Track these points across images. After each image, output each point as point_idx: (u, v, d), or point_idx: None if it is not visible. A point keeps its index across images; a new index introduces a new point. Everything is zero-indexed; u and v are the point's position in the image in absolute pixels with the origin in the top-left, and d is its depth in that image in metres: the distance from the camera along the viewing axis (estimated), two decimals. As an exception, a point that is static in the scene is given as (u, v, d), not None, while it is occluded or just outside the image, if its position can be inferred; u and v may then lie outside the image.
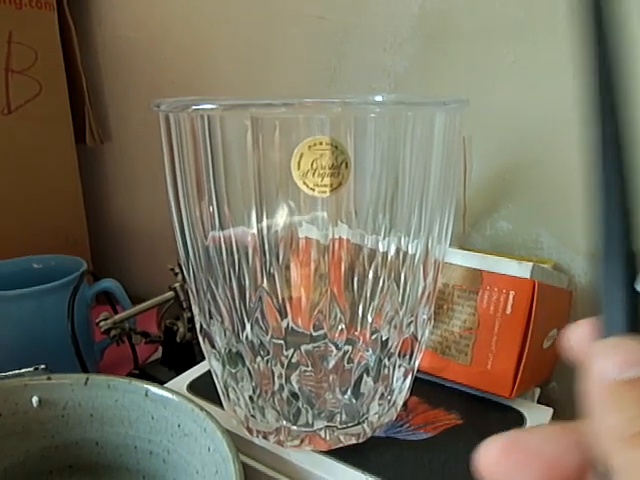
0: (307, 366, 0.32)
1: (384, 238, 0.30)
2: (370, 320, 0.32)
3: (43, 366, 0.43)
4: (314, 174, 0.26)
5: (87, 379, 0.37)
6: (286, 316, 0.31)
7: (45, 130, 0.74)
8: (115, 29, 0.78)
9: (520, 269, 0.40)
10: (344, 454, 0.34)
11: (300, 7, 0.61)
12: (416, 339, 0.34)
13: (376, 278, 0.31)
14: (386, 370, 0.33)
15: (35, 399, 0.37)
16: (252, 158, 0.27)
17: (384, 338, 0.32)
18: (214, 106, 0.27)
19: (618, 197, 0.15)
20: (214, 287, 0.32)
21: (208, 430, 0.33)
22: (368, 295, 0.31)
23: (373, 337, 0.32)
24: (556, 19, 0.48)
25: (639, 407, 0.13)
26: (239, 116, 0.27)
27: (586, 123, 0.16)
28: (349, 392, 0.33)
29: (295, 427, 0.34)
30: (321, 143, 0.26)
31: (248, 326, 0.31)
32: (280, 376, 0.32)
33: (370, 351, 0.32)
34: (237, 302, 0.31)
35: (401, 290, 0.32)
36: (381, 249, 0.30)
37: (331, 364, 0.32)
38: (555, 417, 0.39)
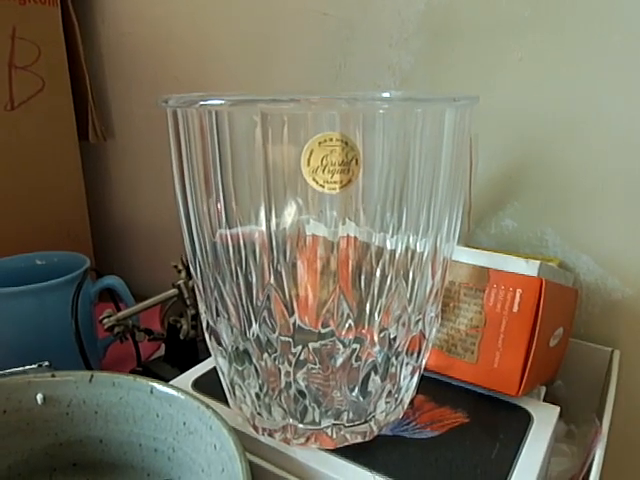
0: (314, 364, 0.32)
1: (392, 236, 0.30)
2: (378, 318, 0.31)
3: (47, 363, 0.43)
4: (324, 170, 0.26)
5: (92, 376, 0.37)
6: (293, 313, 0.31)
7: (48, 126, 0.74)
8: (118, 25, 0.77)
9: (527, 267, 0.39)
10: (350, 452, 0.34)
11: (305, 3, 0.61)
12: (424, 337, 0.34)
13: (384, 276, 0.31)
14: (393, 368, 0.33)
15: (39, 396, 0.37)
16: (261, 154, 0.27)
17: (392, 336, 0.32)
18: (222, 102, 0.27)
19: None
20: (221, 284, 0.31)
21: (214, 428, 0.33)
22: (376, 293, 0.31)
23: (381, 335, 0.32)
24: (563, 17, 0.48)
25: None
26: (248, 112, 0.27)
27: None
28: (356, 390, 0.33)
29: (301, 425, 0.33)
30: (331, 139, 0.26)
31: (255, 324, 0.31)
32: (287, 374, 0.32)
33: (378, 349, 0.32)
34: (244, 299, 0.31)
35: (409, 288, 0.31)
36: (389, 247, 0.30)
37: (338, 362, 0.32)
38: (560, 415, 0.39)
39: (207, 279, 0.32)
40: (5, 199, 0.70)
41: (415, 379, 0.36)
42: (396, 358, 0.33)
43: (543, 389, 0.44)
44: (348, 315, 0.31)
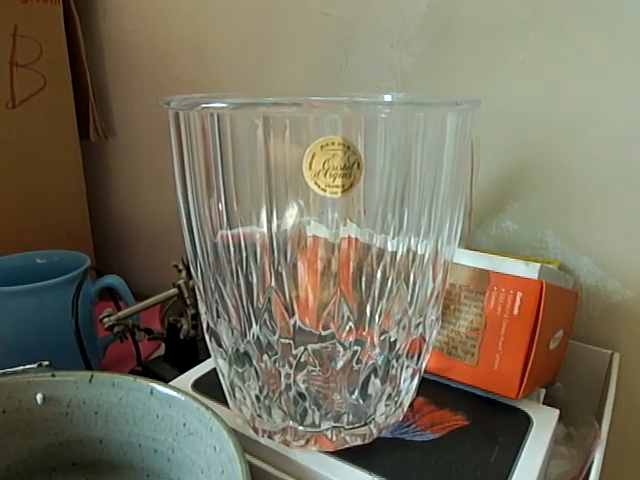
0: (314, 366, 0.32)
1: (393, 238, 0.30)
2: (378, 321, 0.31)
3: (47, 363, 0.43)
4: (326, 174, 0.26)
5: (92, 376, 0.37)
6: (294, 315, 0.31)
7: (49, 125, 0.74)
8: (120, 24, 0.77)
9: (528, 270, 0.39)
10: (350, 455, 0.34)
11: (305, 3, 0.61)
12: (424, 340, 0.34)
13: (385, 278, 0.31)
14: (394, 371, 0.33)
15: (39, 396, 0.37)
16: (262, 157, 0.27)
17: (392, 339, 0.32)
18: (224, 105, 0.27)
19: None
20: (222, 286, 0.31)
21: (214, 429, 0.33)
22: (376, 295, 0.31)
23: (381, 338, 0.32)
24: (563, 19, 0.48)
25: None
26: (250, 115, 0.27)
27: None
28: (356, 393, 0.33)
29: (301, 427, 0.33)
30: (333, 143, 0.26)
31: (256, 325, 0.31)
32: (287, 376, 0.32)
33: (378, 351, 0.32)
34: (245, 301, 0.31)
35: (410, 290, 0.31)
36: (390, 249, 0.30)
37: (339, 364, 0.32)
38: (559, 418, 0.39)
39: (208, 280, 0.32)
40: (5, 197, 0.70)
41: (415, 382, 0.36)
42: (396, 361, 0.33)
43: (543, 391, 0.44)
44: (349, 317, 0.31)
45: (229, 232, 0.30)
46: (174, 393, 0.35)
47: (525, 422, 0.38)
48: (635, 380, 0.53)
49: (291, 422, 0.33)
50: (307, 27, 0.62)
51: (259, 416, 0.34)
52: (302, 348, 0.31)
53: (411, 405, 0.38)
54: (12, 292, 0.52)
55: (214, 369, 0.37)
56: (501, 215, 0.56)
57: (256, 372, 0.33)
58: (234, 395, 0.35)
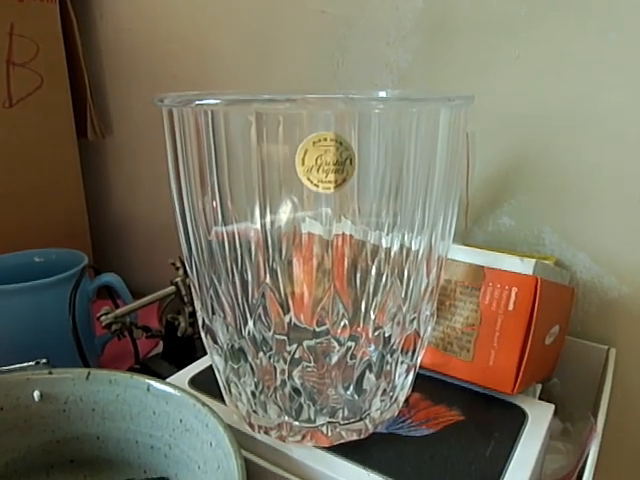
0: (309, 362, 0.32)
1: (387, 234, 0.30)
2: (373, 316, 0.31)
3: (44, 360, 0.43)
4: (318, 170, 0.26)
5: (89, 374, 0.37)
6: (289, 312, 0.31)
7: (46, 123, 0.74)
8: (117, 22, 0.77)
9: (523, 266, 0.39)
10: (346, 450, 0.34)
11: (303, 2, 0.61)
12: (419, 335, 0.34)
13: (379, 274, 0.31)
14: (388, 366, 0.33)
15: (37, 393, 0.37)
16: (256, 153, 0.27)
17: (387, 334, 0.32)
18: (218, 101, 0.27)
19: None
20: (217, 282, 0.32)
21: (210, 425, 0.33)
22: (371, 291, 0.31)
23: (376, 333, 0.32)
24: (558, 15, 0.48)
25: None
26: (243, 111, 0.27)
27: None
28: (351, 388, 0.33)
29: (297, 423, 0.34)
30: (325, 139, 0.26)
31: (251, 322, 0.31)
32: (282, 372, 0.32)
33: (373, 347, 0.32)
34: (240, 297, 0.31)
35: (404, 286, 0.32)
36: (384, 245, 0.30)
37: (334, 360, 0.32)
38: (555, 413, 0.39)
39: (203, 277, 0.32)
40: (3, 196, 0.70)
41: (410, 377, 0.36)
42: (391, 356, 0.33)
43: (539, 387, 0.44)
44: (343, 313, 0.31)
45: (224, 229, 0.30)
46: (170, 390, 0.36)
47: (520, 417, 0.38)
48: (631, 376, 0.53)
49: (287, 418, 0.34)
50: (305, 26, 0.62)
51: (255, 412, 0.35)
52: (297, 344, 0.31)
53: (407, 400, 0.38)
54: (10, 290, 0.52)
55: (211, 366, 0.38)
56: (498, 211, 0.56)
57: (251, 368, 0.33)
58: (230, 391, 0.36)
